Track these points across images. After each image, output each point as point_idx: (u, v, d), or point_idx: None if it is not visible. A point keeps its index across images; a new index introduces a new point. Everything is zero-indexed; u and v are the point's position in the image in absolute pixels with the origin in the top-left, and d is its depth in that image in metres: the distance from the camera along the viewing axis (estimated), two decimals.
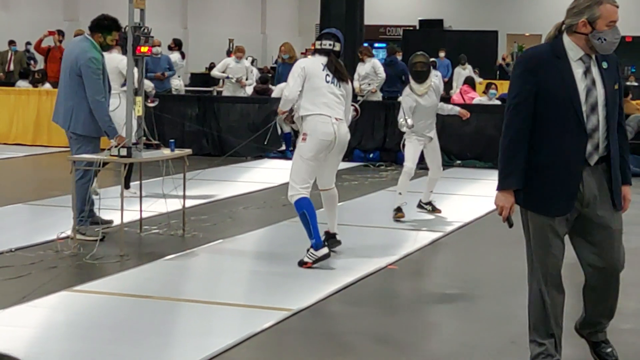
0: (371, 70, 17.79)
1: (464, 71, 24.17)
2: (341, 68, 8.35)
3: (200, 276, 8.10)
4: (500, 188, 5.12)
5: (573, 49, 5.05)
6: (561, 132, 5.00)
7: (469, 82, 18.91)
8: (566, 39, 5.05)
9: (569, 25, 5.03)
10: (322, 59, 8.29)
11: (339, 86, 8.28)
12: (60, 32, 21.99)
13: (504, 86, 23.23)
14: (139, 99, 8.87)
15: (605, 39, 4.98)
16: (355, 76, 17.52)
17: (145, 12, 8.84)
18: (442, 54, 25.49)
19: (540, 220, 5.12)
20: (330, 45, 8.32)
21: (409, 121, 10.22)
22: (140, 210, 9.55)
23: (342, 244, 8.72)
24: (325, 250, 8.10)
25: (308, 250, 8.09)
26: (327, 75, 8.22)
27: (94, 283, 7.47)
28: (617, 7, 5.03)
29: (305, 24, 39.62)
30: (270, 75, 21.27)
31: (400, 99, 11.02)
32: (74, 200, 8.72)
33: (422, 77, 10.47)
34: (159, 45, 18.16)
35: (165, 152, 9.20)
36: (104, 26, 9.08)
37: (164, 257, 8.49)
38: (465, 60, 24.40)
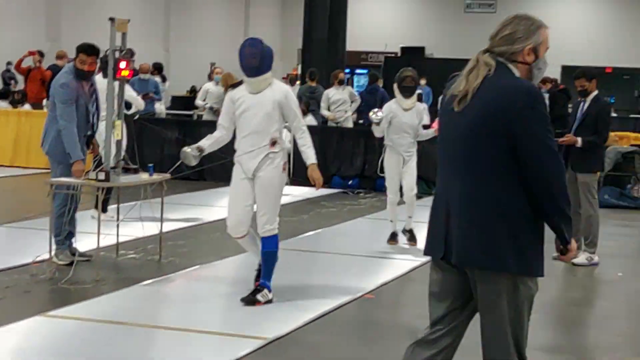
0: (349, 96, 17.79)
1: None
2: None
3: (177, 302, 8.05)
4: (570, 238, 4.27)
5: None
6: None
7: None
8: (515, 70, 4.27)
9: (510, 54, 4.25)
10: None
11: None
12: (41, 53, 21.90)
13: None
14: (119, 123, 8.85)
15: (540, 68, 4.32)
16: (324, 103, 17.47)
17: (127, 35, 8.85)
18: (422, 82, 25.52)
19: (535, 287, 4.28)
20: None
21: (380, 114, 10.41)
22: (117, 235, 9.50)
23: (319, 271, 8.70)
24: (272, 295, 7.81)
25: (261, 290, 7.77)
26: None
27: (69, 308, 7.41)
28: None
29: (288, 49, 39.62)
30: None
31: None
32: (52, 223, 8.68)
33: (409, 92, 10.57)
34: (147, 71, 18.20)
35: (144, 176, 9.16)
36: (78, 50, 9.01)
37: (140, 282, 8.44)
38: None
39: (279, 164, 7.68)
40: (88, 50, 8.95)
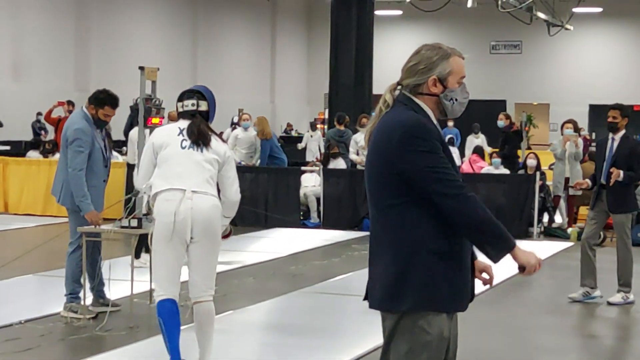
0: None
1: (477, 140, 24.21)
2: (204, 130, 6.78)
3: None
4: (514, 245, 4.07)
5: (431, 114, 4.14)
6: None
7: (478, 151, 18.96)
8: (421, 102, 4.11)
9: (414, 86, 4.10)
10: (182, 124, 6.81)
11: (202, 151, 6.71)
12: (70, 103, 22.11)
13: None
14: None
15: (456, 99, 4.18)
16: (352, 148, 17.47)
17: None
18: (450, 123, 25.56)
19: (443, 324, 4.12)
20: (193, 105, 6.87)
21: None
22: (150, 281, 9.49)
23: (352, 314, 8.64)
24: None
25: None
26: (184, 140, 6.69)
27: (103, 355, 7.43)
28: (464, 59, 4.24)
29: (314, 93, 39.86)
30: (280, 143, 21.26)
31: None
32: (84, 272, 8.68)
33: None
34: (175, 119, 18.26)
35: None
36: (98, 99, 8.73)
37: None
38: (478, 130, 24.46)
39: None
40: (116, 103, 8.75)
